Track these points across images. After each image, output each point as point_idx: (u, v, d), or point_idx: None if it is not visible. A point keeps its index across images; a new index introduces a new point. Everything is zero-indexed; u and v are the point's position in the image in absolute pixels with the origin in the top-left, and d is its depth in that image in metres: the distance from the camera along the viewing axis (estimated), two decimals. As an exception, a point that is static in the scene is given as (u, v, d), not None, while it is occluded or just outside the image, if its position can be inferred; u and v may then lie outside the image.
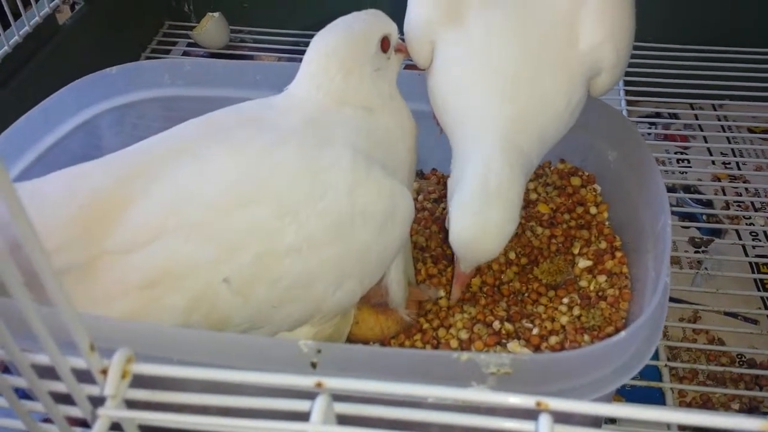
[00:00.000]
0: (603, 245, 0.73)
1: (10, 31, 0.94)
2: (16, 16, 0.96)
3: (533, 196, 0.80)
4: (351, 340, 0.67)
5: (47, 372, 0.38)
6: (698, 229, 0.95)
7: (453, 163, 0.61)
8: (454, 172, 0.60)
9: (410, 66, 0.71)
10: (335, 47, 0.63)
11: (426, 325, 0.69)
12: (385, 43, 0.65)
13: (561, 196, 0.78)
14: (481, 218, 0.57)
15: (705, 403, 0.74)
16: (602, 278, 0.69)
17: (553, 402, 0.35)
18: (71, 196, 0.54)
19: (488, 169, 0.57)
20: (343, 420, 0.36)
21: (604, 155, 0.76)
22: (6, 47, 0.92)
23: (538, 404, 0.35)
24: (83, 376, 0.37)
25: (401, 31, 0.67)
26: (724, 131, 1.10)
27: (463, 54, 0.62)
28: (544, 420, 0.35)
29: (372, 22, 0.66)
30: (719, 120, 1.12)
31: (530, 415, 0.35)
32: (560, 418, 0.34)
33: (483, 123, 0.59)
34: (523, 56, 0.60)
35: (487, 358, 0.47)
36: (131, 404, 0.37)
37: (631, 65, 1.13)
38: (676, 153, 1.08)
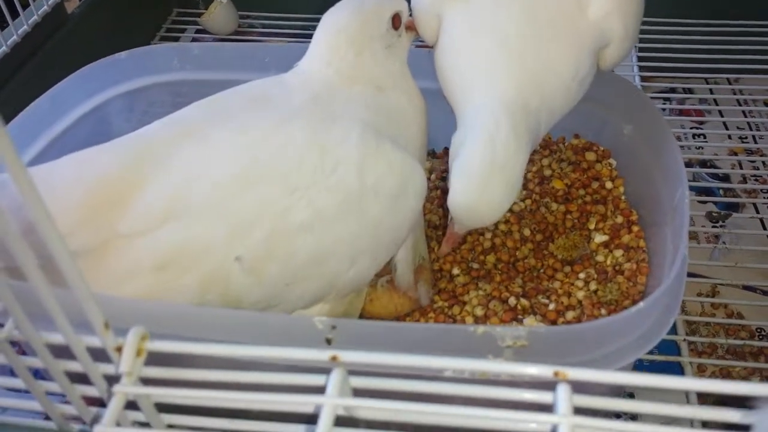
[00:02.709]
0: (619, 220, 0.72)
1: (19, 20, 0.94)
2: (25, 5, 0.96)
3: (547, 172, 0.79)
4: (364, 317, 0.66)
5: (63, 352, 0.38)
6: (715, 203, 0.94)
7: (458, 125, 0.60)
8: (459, 132, 0.59)
9: (421, 45, 0.70)
10: (346, 25, 0.63)
11: (440, 303, 0.68)
12: (395, 21, 0.64)
13: (576, 171, 0.77)
14: (482, 189, 0.56)
15: (725, 378, 0.73)
16: (619, 252, 0.69)
17: (572, 372, 0.35)
18: (81, 180, 0.53)
19: (494, 137, 0.56)
20: (359, 394, 0.36)
21: (619, 129, 0.75)
22: (15, 37, 0.92)
23: (556, 374, 0.35)
24: (99, 356, 0.37)
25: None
26: (740, 105, 1.09)
27: (470, 27, 0.61)
28: (563, 390, 0.34)
29: (383, 0, 0.65)
30: (735, 94, 1.11)
31: (548, 387, 0.34)
32: (579, 390, 0.33)
33: (490, 91, 0.58)
34: (530, 27, 0.59)
35: (503, 331, 0.47)
36: (146, 383, 0.37)
37: (644, 41, 1.13)
38: (692, 128, 1.07)
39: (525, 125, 0.57)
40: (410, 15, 0.66)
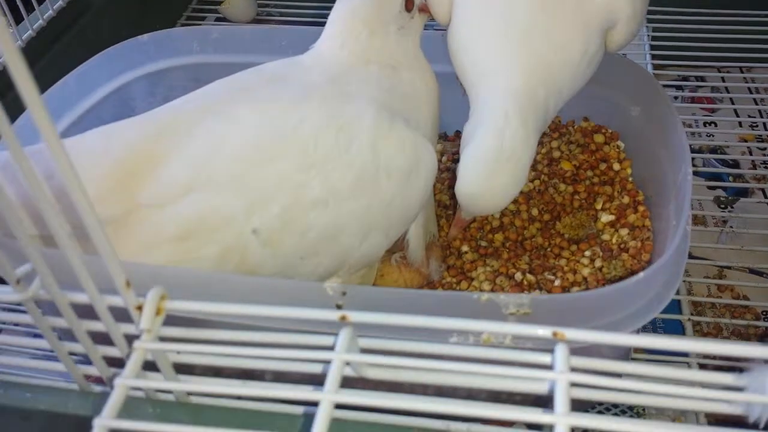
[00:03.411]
0: (626, 200, 0.73)
1: (44, 6, 0.96)
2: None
3: (556, 154, 0.80)
4: (375, 292, 0.68)
5: (86, 313, 0.40)
6: (724, 189, 0.95)
7: (471, 111, 0.62)
8: (472, 119, 0.61)
9: (438, 29, 0.72)
10: (359, 6, 0.65)
11: (449, 279, 0.70)
12: (408, 3, 0.66)
13: (584, 153, 0.79)
14: (490, 178, 0.58)
15: (728, 360, 0.75)
16: (624, 231, 0.70)
17: (570, 332, 0.36)
18: (106, 152, 0.56)
19: (503, 129, 0.57)
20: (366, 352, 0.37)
21: (627, 112, 0.77)
22: (40, 21, 0.95)
23: (555, 334, 0.36)
24: (120, 318, 0.39)
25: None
26: (752, 93, 1.09)
27: (481, 7, 0.63)
28: (561, 350, 0.36)
29: None
30: (747, 83, 1.11)
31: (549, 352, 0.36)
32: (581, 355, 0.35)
33: (499, 75, 0.60)
34: (539, 7, 0.60)
35: (506, 299, 0.48)
36: (165, 341, 0.39)
37: (657, 29, 1.14)
38: (704, 116, 1.07)
39: (533, 113, 0.59)
40: None
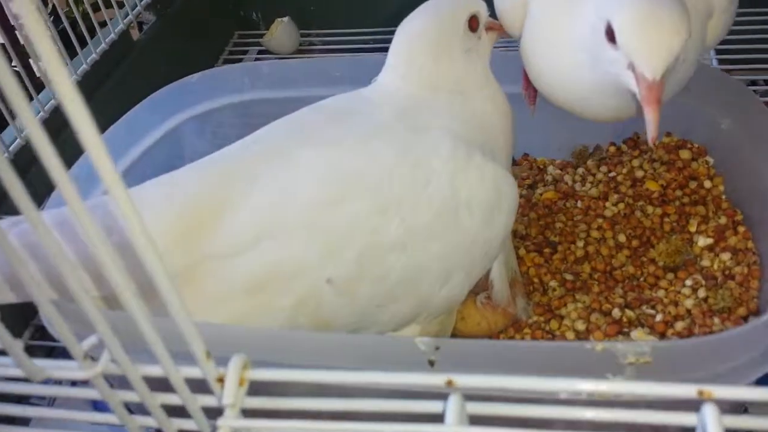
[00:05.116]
0: (723, 221, 0.67)
1: (87, 49, 0.94)
2: (92, 34, 0.96)
3: (639, 173, 0.75)
4: (456, 336, 0.63)
5: (158, 384, 0.36)
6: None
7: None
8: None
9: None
10: (421, 32, 0.61)
11: (535, 318, 0.65)
12: (473, 22, 0.62)
13: (670, 171, 0.73)
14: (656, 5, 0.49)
15: None
16: (726, 256, 0.64)
17: (718, 390, 0.31)
18: (168, 203, 0.52)
19: None
20: (474, 420, 0.33)
21: (715, 124, 0.71)
22: (84, 65, 0.93)
23: (701, 393, 0.31)
24: (194, 387, 0.35)
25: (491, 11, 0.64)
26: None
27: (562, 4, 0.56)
28: (710, 410, 0.31)
29: (458, 2, 0.63)
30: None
31: (676, 406, 0.31)
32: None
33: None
34: None
35: (625, 348, 0.43)
36: (247, 414, 0.35)
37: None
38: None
39: None
40: (489, 15, 0.64)
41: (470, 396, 0.33)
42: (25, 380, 0.37)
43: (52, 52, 0.21)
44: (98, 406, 0.68)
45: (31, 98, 0.81)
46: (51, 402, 0.68)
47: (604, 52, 0.50)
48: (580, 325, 0.62)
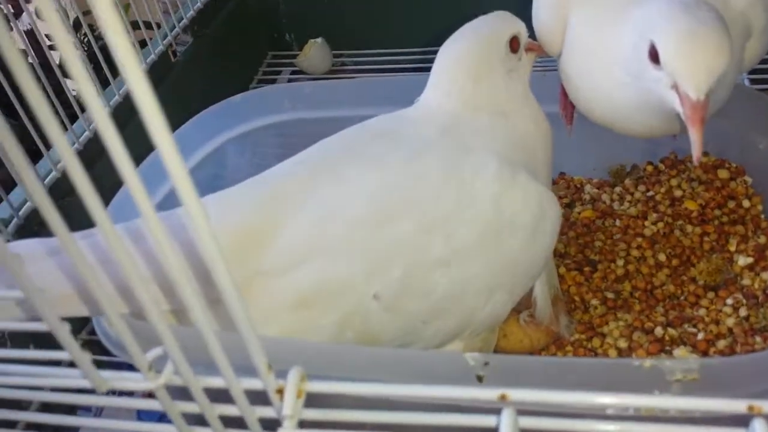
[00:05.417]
0: (762, 240, 0.68)
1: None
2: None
3: (678, 192, 0.75)
4: (498, 353, 0.64)
5: (216, 395, 0.37)
6: None
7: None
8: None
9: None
10: (463, 53, 0.62)
11: (577, 335, 0.65)
12: (514, 44, 0.63)
13: (708, 190, 0.73)
14: (697, 19, 0.49)
15: None
16: (767, 275, 0.64)
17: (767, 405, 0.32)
18: (221, 222, 0.53)
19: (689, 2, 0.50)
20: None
21: (751, 143, 0.71)
22: (125, 87, 0.95)
23: (751, 408, 0.32)
24: (252, 399, 0.36)
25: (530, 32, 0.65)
26: None
27: (602, 17, 0.57)
28: (760, 425, 0.31)
29: (499, 24, 0.64)
30: None
31: (721, 422, 0.31)
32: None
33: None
34: None
35: (672, 365, 0.43)
36: (303, 425, 0.36)
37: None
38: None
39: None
40: (529, 36, 0.65)
41: (520, 411, 0.34)
42: (78, 391, 0.38)
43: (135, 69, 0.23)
44: (142, 416, 0.70)
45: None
46: (98, 412, 0.69)
47: (647, 71, 0.51)
48: (623, 343, 0.62)
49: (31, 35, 0.86)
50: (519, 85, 0.63)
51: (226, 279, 0.30)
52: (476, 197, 0.55)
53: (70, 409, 0.65)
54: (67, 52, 0.22)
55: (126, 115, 0.94)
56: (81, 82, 0.22)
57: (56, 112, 0.79)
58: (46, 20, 0.21)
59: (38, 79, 0.78)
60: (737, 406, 0.32)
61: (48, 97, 0.79)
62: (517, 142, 0.61)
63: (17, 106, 0.73)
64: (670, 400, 0.34)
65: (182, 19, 1.09)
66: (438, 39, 0.65)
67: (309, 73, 1.26)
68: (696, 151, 0.50)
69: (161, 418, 0.41)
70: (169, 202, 0.74)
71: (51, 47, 0.83)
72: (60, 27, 0.21)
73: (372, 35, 1.28)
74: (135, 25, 1.01)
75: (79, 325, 0.78)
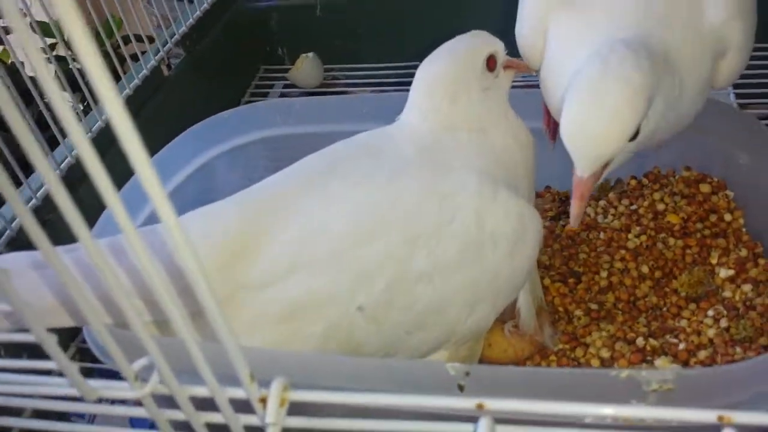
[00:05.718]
0: (743, 253, 0.69)
1: (120, 84, 0.98)
2: (126, 70, 1.00)
3: (661, 206, 0.76)
4: (483, 363, 0.65)
5: (202, 403, 0.38)
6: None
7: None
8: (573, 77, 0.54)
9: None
10: (439, 73, 0.62)
11: (561, 345, 0.66)
12: (491, 62, 0.63)
13: (691, 204, 0.75)
14: (597, 100, 0.49)
15: None
16: (747, 287, 0.65)
17: (738, 416, 0.32)
18: (206, 235, 0.54)
19: (608, 54, 0.51)
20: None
21: (733, 159, 0.72)
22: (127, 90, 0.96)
23: (720, 418, 0.33)
24: (237, 407, 0.37)
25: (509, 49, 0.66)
26: None
27: (581, 28, 0.57)
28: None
29: (475, 43, 0.64)
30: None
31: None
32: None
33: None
34: (648, 26, 0.55)
35: (648, 375, 0.44)
36: None
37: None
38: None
39: (645, 50, 0.52)
40: (506, 53, 0.65)
41: (499, 419, 0.35)
42: (71, 399, 0.39)
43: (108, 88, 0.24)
44: (135, 423, 0.71)
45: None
46: (91, 419, 0.70)
47: None
48: (605, 353, 0.63)
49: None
50: (497, 102, 0.64)
51: (207, 296, 0.31)
52: (457, 213, 0.56)
53: (62, 416, 0.66)
54: (48, 84, 0.23)
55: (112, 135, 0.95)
56: (60, 109, 0.23)
57: (48, 126, 0.79)
58: (28, 57, 0.22)
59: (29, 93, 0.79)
60: (708, 416, 0.33)
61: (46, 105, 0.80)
62: (497, 158, 0.62)
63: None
64: (646, 410, 0.34)
65: (174, 34, 1.10)
66: (428, 54, 0.66)
67: (301, 87, 1.27)
68: (572, 221, 0.53)
69: (152, 425, 0.42)
70: (155, 217, 0.74)
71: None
72: (42, 64, 0.22)
73: (362, 50, 1.29)
74: (127, 40, 1.02)
75: (73, 334, 0.78)
